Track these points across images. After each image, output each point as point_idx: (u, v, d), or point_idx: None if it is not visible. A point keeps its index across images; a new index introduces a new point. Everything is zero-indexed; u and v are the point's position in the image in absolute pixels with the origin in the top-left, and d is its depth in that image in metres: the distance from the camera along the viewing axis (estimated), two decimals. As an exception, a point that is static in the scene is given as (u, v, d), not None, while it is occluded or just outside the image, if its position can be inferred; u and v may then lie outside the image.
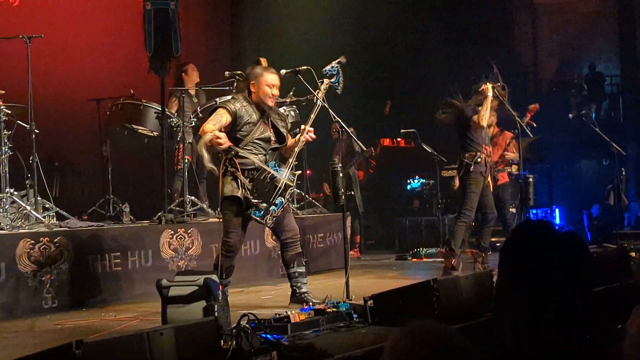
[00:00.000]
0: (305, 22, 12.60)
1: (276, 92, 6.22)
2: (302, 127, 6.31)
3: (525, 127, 8.36)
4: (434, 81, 12.28)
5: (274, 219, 6.10)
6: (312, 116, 6.31)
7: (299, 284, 6.33)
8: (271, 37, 12.04)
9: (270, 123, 6.24)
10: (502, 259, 1.82)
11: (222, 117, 6.07)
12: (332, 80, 6.38)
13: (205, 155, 5.93)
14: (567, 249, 1.78)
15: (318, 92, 6.31)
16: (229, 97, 6.54)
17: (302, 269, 6.38)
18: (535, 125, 9.10)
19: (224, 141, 5.91)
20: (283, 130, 6.30)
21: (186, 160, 8.81)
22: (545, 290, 1.74)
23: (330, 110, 6.22)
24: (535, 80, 15.62)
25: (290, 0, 12.83)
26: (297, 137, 6.27)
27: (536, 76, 15.73)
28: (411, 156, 12.86)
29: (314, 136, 6.34)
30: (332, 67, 6.40)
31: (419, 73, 13.54)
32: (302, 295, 6.26)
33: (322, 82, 6.35)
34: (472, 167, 7.93)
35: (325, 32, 12.66)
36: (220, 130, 5.99)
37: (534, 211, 10.79)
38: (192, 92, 9.36)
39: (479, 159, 7.95)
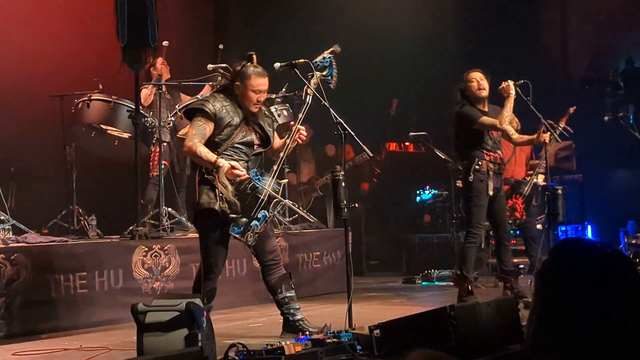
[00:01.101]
0: (302, 9, 12.65)
1: (263, 97, 6.23)
2: (293, 125, 6.33)
3: (558, 132, 8.39)
4: (448, 77, 12.31)
5: (256, 235, 6.11)
6: (301, 116, 6.35)
7: (291, 311, 6.34)
8: (261, 26, 12.08)
9: (254, 125, 6.26)
10: (541, 284, 1.85)
11: (204, 127, 6.06)
12: (324, 73, 6.39)
13: (230, 188, 5.95)
14: (616, 269, 1.81)
15: (307, 87, 6.33)
16: (208, 95, 6.53)
17: (292, 293, 6.38)
18: (572, 130, 9.15)
19: (244, 172, 5.94)
20: (269, 130, 6.32)
21: (162, 166, 8.84)
22: (597, 314, 1.77)
23: (331, 110, 6.23)
24: (564, 78, 15.66)
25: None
26: (286, 137, 6.30)
27: (565, 72, 15.78)
28: (421, 163, 12.89)
29: (305, 137, 6.36)
30: (324, 58, 6.42)
31: (430, 68, 13.58)
32: (297, 323, 6.28)
33: (312, 76, 6.36)
34: (472, 176, 7.94)
35: (323, 21, 12.71)
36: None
37: (563, 228, 10.82)
38: (164, 87, 9.36)
39: (478, 166, 7.95)
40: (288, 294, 6.35)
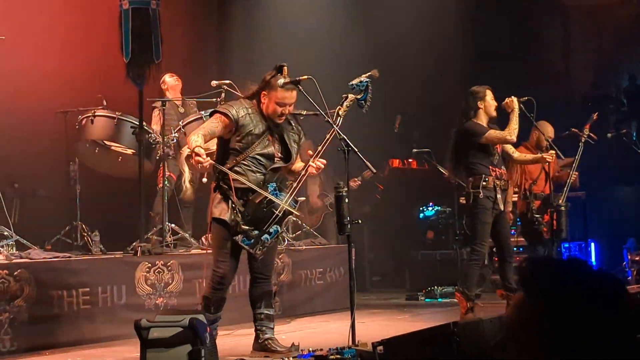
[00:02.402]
0: (305, 28, 12.67)
1: (288, 110, 6.17)
2: (310, 152, 6.26)
3: (583, 140, 8.41)
4: (451, 93, 12.31)
5: (264, 249, 6.10)
6: (328, 137, 6.20)
7: (263, 328, 6.34)
8: (265, 42, 12.11)
9: (278, 137, 6.22)
10: (530, 294, 1.88)
11: (215, 125, 6.04)
12: (359, 97, 6.33)
13: (186, 173, 5.95)
14: (605, 291, 1.84)
15: (339, 108, 6.25)
16: (235, 101, 6.45)
17: (270, 312, 6.37)
18: (596, 137, 9.18)
19: (205, 159, 5.78)
20: (293, 145, 6.26)
21: (167, 182, 8.83)
22: (582, 335, 1.80)
23: (335, 126, 6.20)
24: (567, 94, 15.68)
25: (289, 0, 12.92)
26: (304, 165, 6.23)
27: (568, 89, 15.80)
28: (425, 180, 12.89)
29: (322, 166, 6.26)
30: (362, 81, 6.35)
31: (434, 84, 13.60)
32: (266, 342, 6.28)
33: (347, 98, 6.30)
34: (480, 193, 7.94)
35: (327, 39, 12.74)
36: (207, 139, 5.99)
37: (567, 245, 10.81)
38: (178, 102, 9.41)
39: (485, 182, 7.95)
40: (265, 311, 6.35)
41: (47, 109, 9.30)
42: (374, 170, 6.40)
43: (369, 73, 6.43)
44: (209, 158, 5.87)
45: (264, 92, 6.16)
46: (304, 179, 6.30)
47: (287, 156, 6.24)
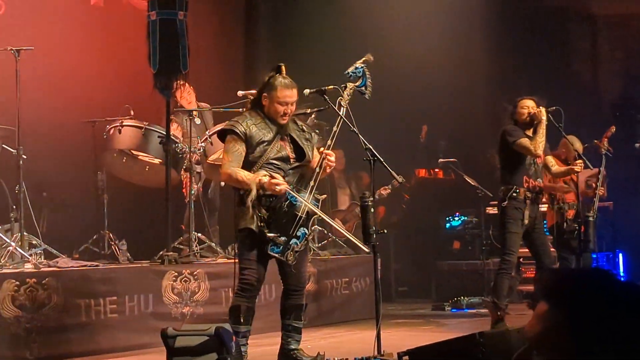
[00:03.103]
0: (331, 36, 12.71)
1: (290, 109, 6.10)
2: (321, 152, 6.17)
3: (604, 151, 8.39)
4: (478, 103, 12.33)
5: (297, 254, 6.04)
6: (336, 129, 6.18)
7: (289, 340, 6.29)
8: (292, 52, 12.14)
9: (289, 139, 6.18)
10: (558, 305, 1.89)
11: (239, 152, 5.99)
12: (358, 83, 6.30)
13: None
14: (629, 299, 1.84)
15: (341, 99, 6.23)
16: (238, 116, 6.43)
17: (299, 324, 6.32)
18: (612, 150, 9.14)
19: (283, 183, 5.86)
20: (306, 145, 6.21)
21: (193, 191, 8.88)
22: (605, 343, 1.80)
23: (360, 136, 6.22)
24: (595, 103, 15.61)
25: (314, 9, 12.94)
26: (317, 163, 6.18)
27: (596, 98, 15.73)
28: (451, 190, 12.87)
29: (333, 162, 6.21)
30: (357, 68, 6.31)
31: (460, 94, 13.58)
32: (291, 353, 6.25)
33: (346, 87, 6.26)
34: (507, 202, 7.92)
35: (354, 47, 12.75)
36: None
37: (594, 256, 10.76)
38: (195, 113, 9.43)
39: (515, 194, 7.92)
40: (294, 323, 6.29)
41: (75, 118, 9.36)
42: (400, 180, 6.39)
43: (364, 58, 6.39)
44: (284, 182, 5.89)
45: (264, 95, 6.11)
46: (321, 176, 6.18)
47: (300, 156, 6.18)
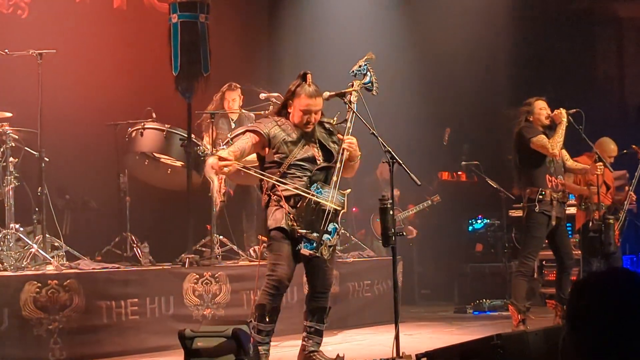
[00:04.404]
0: (357, 42, 12.71)
1: (315, 117, 6.15)
2: (341, 139, 6.23)
3: None
4: (501, 105, 12.28)
5: (331, 249, 6.09)
6: (349, 124, 6.23)
7: (310, 341, 6.30)
8: (316, 55, 12.15)
9: (315, 141, 6.23)
10: (587, 308, 1.88)
11: (246, 142, 6.07)
12: (364, 81, 6.39)
13: (215, 183, 5.99)
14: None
15: (349, 95, 6.31)
16: (263, 118, 6.51)
17: (321, 327, 6.33)
18: None
19: (228, 162, 5.79)
20: (332, 145, 6.26)
21: (215, 195, 8.91)
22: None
23: (380, 138, 6.23)
24: (620, 107, 15.52)
25: (338, 12, 12.95)
26: (339, 151, 6.21)
27: (621, 101, 15.64)
28: (473, 192, 12.86)
29: (354, 146, 6.22)
30: (360, 66, 6.42)
31: (484, 96, 13.55)
32: (311, 354, 6.26)
33: (352, 85, 6.36)
34: (537, 207, 7.89)
35: (377, 50, 12.74)
36: (240, 155, 6.02)
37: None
38: (234, 116, 9.45)
39: (542, 196, 7.90)
40: (317, 326, 6.31)
41: (98, 121, 9.40)
42: (419, 183, 6.38)
43: (366, 57, 6.49)
44: (233, 160, 5.86)
45: (290, 102, 6.19)
46: (342, 167, 6.18)
47: (328, 158, 6.22)
